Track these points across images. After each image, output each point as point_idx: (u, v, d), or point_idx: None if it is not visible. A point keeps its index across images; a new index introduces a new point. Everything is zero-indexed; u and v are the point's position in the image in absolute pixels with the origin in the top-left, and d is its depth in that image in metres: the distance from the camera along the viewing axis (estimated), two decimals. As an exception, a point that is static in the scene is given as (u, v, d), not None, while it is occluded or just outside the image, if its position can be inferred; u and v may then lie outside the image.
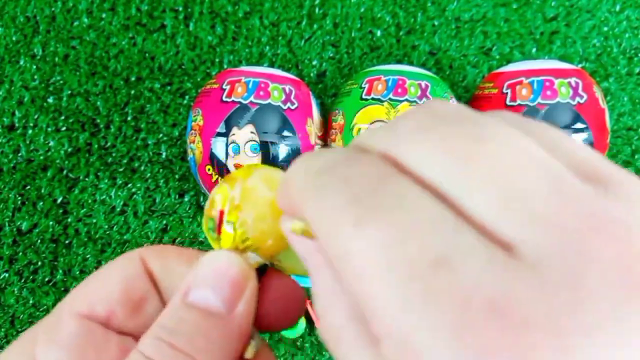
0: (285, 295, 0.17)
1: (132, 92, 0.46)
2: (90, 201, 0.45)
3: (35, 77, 0.47)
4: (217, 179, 0.39)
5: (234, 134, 0.38)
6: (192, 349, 0.14)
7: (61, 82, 0.47)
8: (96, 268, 0.45)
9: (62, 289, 0.45)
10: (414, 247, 0.10)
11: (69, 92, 0.47)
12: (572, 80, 0.38)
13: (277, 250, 0.16)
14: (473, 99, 0.43)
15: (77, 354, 0.15)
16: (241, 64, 0.47)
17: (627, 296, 0.09)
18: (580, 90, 0.38)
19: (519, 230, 0.10)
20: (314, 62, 0.47)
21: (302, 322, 0.43)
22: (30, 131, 0.46)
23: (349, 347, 0.11)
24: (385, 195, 0.10)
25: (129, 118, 0.46)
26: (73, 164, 0.46)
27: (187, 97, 0.46)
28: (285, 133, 0.39)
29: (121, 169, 0.46)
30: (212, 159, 0.39)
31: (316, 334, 0.44)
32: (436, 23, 0.47)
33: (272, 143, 0.38)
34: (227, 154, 0.38)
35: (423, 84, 0.39)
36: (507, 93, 0.39)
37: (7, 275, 0.45)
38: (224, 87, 0.39)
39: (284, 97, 0.39)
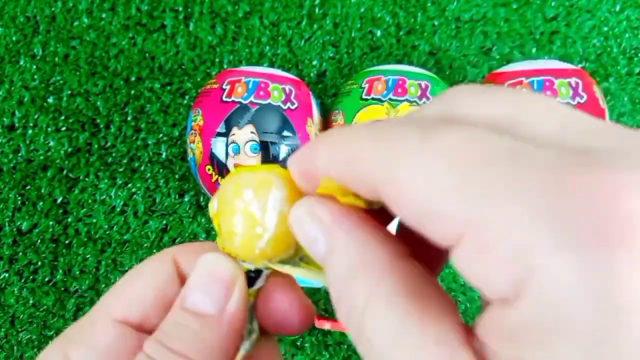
0: (286, 296, 0.17)
1: (132, 92, 0.46)
2: (90, 201, 0.45)
3: (35, 77, 0.47)
4: (217, 178, 0.39)
5: (234, 134, 0.38)
6: (188, 350, 0.15)
7: (61, 82, 0.47)
8: (96, 268, 0.45)
9: (62, 289, 0.45)
10: (485, 143, 0.10)
11: (69, 92, 0.47)
12: (572, 80, 0.38)
13: (263, 257, 0.16)
14: (473, 99, 0.43)
15: (111, 357, 0.15)
16: (241, 64, 0.47)
17: None
18: (580, 90, 0.38)
19: (591, 141, 0.10)
20: (314, 62, 0.47)
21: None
22: (30, 131, 0.46)
23: (378, 316, 0.11)
24: (446, 123, 0.11)
25: (129, 118, 0.46)
26: (73, 164, 0.46)
27: (187, 97, 0.46)
28: (285, 133, 0.39)
29: (121, 169, 0.46)
30: (212, 159, 0.39)
31: (316, 333, 0.44)
32: (436, 23, 0.47)
33: (272, 143, 0.38)
34: (227, 154, 0.38)
35: (423, 84, 0.39)
36: (507, 93, 0.39)
37: (7, 275, 0.45)
38: (224, 87, 0.39)
39: (284, 97, 0.39)
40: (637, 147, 0.10)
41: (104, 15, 0.47)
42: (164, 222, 0.45)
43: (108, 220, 0.45)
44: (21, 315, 0.44)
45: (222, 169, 0.39)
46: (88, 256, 0.45)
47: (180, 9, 0.47)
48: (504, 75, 0.40)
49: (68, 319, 0.44)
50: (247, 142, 0.38)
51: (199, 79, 0.47)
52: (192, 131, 0.40)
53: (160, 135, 0.46)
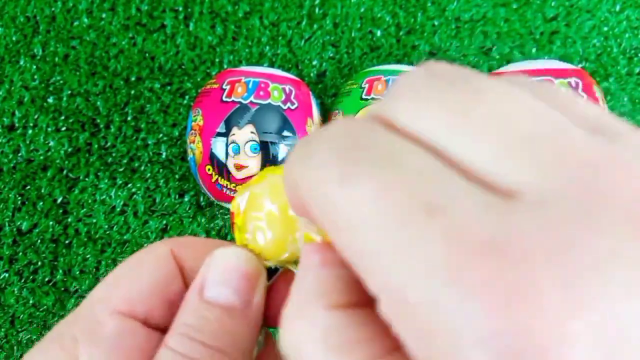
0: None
1: (132, 92, 0.46)
2: (90, 201, 0.45)
3: (35, 77, 0.47)
4: (217, 178, 0.39)
5: (234, 134, 0.38)
6: (221, 344, 0.15)
7: (61, 82, 0.47)
8: (96, 268, 0.45)
9: (62, 289, 0.45)
10: (404, 195, 0.09)
11: (69, 92, 0.47)
12: (572, 80, 0.38)
13: (286, 259, 0.16)
14: (473, 99, 0.43)
15: (122, 353, 0.15)
16: (241, 64, 0.47)
17: None
18: (580, 90, 0.38)
19: (521, 175, 0.09)
20: (314, 62, 0.47)
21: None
22: (30, 131, 0.46)
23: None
24: (373, 149, 0.10)
25: (129, 118, 0.46)
26: (73, 164, 0.46)
27: (187, 97, 0.46)
28: (285, 133, 0.39)
29: (121, 169, 0.46)
30: (212, 159, 0.39)
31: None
32: (436, 23, 0.47)
33: (272, 143, 0.38)
34: (227, 154, 0.38)
35: (423, 84, 0.39)
36: (507, 93, 0.39)
37: (7, 275, 0.45)
38: (224, 87, 0.39)
39: (284, 97, 0.39)
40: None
41: (104, 15, 0.47)
42: (164, 222, 0.45)
43: (108, 220, 0.45)
44: (21, 315, 0.44)
45: (222, 169, 0.39)
46: (88, 256, 0.45)
47: (180, 9, 0.47)
48: (503, 75, 0.40)
49: (68, 319, 0.44)
50: (247, 142, 0.38)
51: (199, 79, 0.47)
52: (192, 131, 0.40)
53: (160, 135, 0.46)
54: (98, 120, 0.46)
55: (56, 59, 0.47)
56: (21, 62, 0.47)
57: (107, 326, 0.15)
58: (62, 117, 0.46)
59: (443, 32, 0.47)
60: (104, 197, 0.45)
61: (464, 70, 0.11)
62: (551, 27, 0.47)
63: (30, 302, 0.44)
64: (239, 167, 0.38)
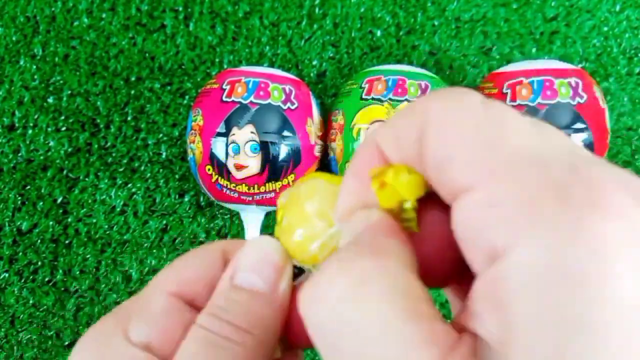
0: None
1: (132, 92, 0.46)
2: (90, 201, 0.45)
3: (35, 77, 0.47)
4: (217, 178, 0.39)
5: (234, 134, 0.38)
6: (247, 325, 0.16)
7: (61, 82, 0.47)
8: (96, 268, 0.45)
9: (62, 289, 0.45)
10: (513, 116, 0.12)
11: (69, 92, 0.47)
12: (572, 80, 0.38)
13: (308, 259, 0.17)
14: (473, 99, 0.43)
15: (166, 327, 0.16)
16: (241, 64, 0.47)
17: None
18: (580, 90, 0.38)
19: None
20: (314, 62, 0.47)
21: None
22: (30, 131, 0.46)
23: (363, 315, 0.11)
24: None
25: (129, 118, 0.46)
26: (73, 164, 0.46)
27: (187, 97, 0.46)
28: (285, 133, 0.39)
29: (121, 169, 0.46)
30: (212, 159, 0.39)
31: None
32: (436, 23, 0.47)
33: (272, 143, 0.38)
34: (227, 154, 0.38)
35: (423, 84, 0.39)
36: (507, 93, 0.39)
37: (7, 275, 0.45)
38: (224, 87, 0.39)
39: (284, 97, 0.39)
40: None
41: (104, 15, 0.47)
42: (164, 222, 0.45)
43: (108, 220, 0.45)
44: (21, 315, 0.44)
45: (222, 169, 0.39)
46: (88, 256, 0.45)
47: (180, 9, 0.47)
48: (503, 75, 0.40)
49: (68, 319, 0.44)
50: (247, 142, 0.38)
51: (199, 79, 0.47)
52: (192, 131, 0.40)
53: (160, 135, 0.46)
54: (98, 120, 0.46)
55: (56, 59, 0.47)
56: (21, 62, 0.47)
57: (156, 304, 0.17)
58: (62, 117, 0.46)
59: (443, 32, 0.47)
60: (104, 197, 0.45)
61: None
62: (551, 27, 0.47)
63: (30, 302, 0.44)
64: (239, 167, 0.38)
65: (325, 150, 0.43)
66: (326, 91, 0.47)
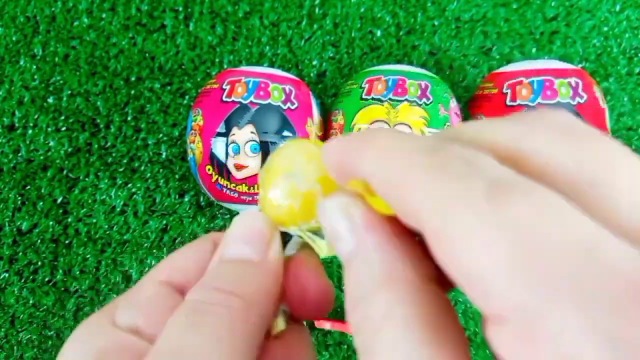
0: (311, 275, 0.17)
1: (132, 92, 0.46)
2: (90, 201, 0.45)
3: (35, 77, 0.47)
4: (217, 178, 0.39)
5: (234, 134, 0.38)
6: (236, 289, 0.15)
7: (61, 82, 0.47)
8: (96, 268, 0.45)
9: (62, 289, 0.45)
10: (556, 224, 0.09)
11: (69, 92, 0.47)
12: (572, 80, 0.38)
13: (292, 217, 0.17)
14: (473, 99, 0.43)
15: (154, 312, 0.16)
16: (241, 64, 0.47)
17: None
18: (580, 90, 0.38)
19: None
20: (314, 62, 0.47)
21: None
22: (30, 131, 0.46)
23: (393, 339, 0.11)
24: (517, 182, 0.10)
25: (129, 118, 0.46)
26: (73, 164, 0.46)
27: (187, 97, 0.46)
28: (285, 133, 0.39)
29: (121, 169, 0.46)
30: (212, 159, 0.39)
31: (316, 334, 0.44)
32: (436, 23, 0.47)
33: (272, 143, 0.38)
34: (227, 154, 0.38)
35: (423, 84, 0.39)
36: (507, 93, 0.39)
37: (7, 275, 0.45)
38: (224, 87, 0.39)
39: (284, 97, 0.39)
40: None
41: (104, 15, 0.47)
42: (164, 222, 0.45)
43: (108, 220, 0.45)
44: (21, 315, 0.44)
45: (222, 169, 0.39)
46: (88, 256, 0.45)
47: (180, 9, 0.47)
48: (503, 75, 0.40)
49: (68, 319, 0.44)
50: (247, 142, 0.38)
51: (199, 79, 0.47)
52: (192, 131, 0.40)
53: (160, 135, 0.46)
54: (98, 120, 0.46)
55: (56, 59, 0.47)
56: (21, 62, 0.47)
57: (145, 291, 0.17)
58: (62, 117, 0.46)
59: (443, 32, 0.47)
60: (104, 197, 0.45)
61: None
62: (551, 27, 0.47)
63: (30, 302, 0.44)
64: (239, 167, 0.38)
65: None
66: (326, 91, 0.47)
